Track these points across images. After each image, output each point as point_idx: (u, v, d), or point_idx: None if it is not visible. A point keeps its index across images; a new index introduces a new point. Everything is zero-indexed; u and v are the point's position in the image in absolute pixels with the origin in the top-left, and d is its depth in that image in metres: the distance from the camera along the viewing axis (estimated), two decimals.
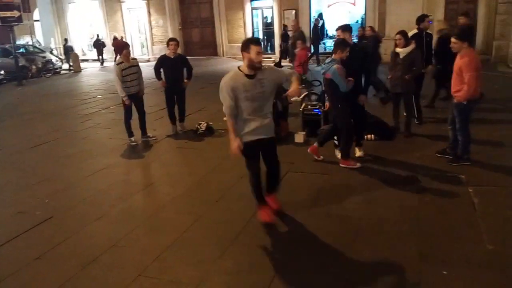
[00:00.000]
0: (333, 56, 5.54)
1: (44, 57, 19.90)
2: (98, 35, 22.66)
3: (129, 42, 21.40)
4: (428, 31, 7.75)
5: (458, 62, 5.33)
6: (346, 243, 3.91)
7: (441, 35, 8.18)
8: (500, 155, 5.86)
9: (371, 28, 11.45)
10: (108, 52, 22.07)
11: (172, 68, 7.64)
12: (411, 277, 3.36)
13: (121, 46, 7.43)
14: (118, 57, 7.57)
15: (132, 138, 7.52)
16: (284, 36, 17.34)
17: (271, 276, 3.46)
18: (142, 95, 7.51)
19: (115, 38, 21.16)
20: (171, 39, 7.77)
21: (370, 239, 3.97)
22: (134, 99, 7.33)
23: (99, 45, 22.32)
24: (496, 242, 3.78)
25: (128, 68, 7.10)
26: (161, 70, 7.71)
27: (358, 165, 5.72)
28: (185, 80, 7.90)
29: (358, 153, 6.04)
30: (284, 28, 17.79)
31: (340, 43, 5.51)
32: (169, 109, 7.95)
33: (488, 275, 3.34)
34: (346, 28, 5.81)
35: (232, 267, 3.65)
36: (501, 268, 3.42)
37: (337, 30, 5.90)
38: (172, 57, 7.61)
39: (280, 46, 11.62)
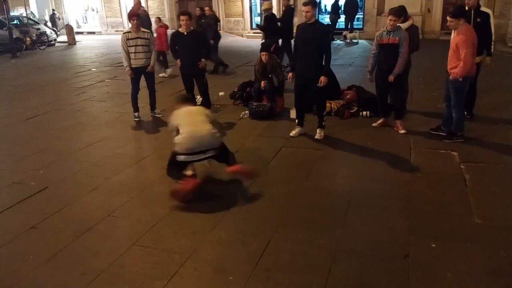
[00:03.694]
0: None
1: (38, 29, 19.57)
2: (53, 10, 24.30)
3: (124, 15, 21.20)
4: (482, 8, 6.16)
5: (455, 38, 5.30)
6: (337, 216, 3.98)
7: (266, 14, 10.47)
8: (494, 133, 5.90)
9: (209, 8, 12.00)
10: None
11: (185, 46, 6.84)
12: (400, 249, 3.43)
13: (129, 15, 7.18)
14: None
15: (136, 114, 7.27)
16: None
17: (263, 247, 3.52)
18: (151, 70, 7.11)
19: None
20: (181, 13, 6.95)
21: (360, 213, 4.03)
22: (142, 72, 7.07)
23: (54, 19, 23.68)
24: (485, 217, 3.85)
25: (134, 39, 6.82)
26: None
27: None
28: (202, 60, 7.01)
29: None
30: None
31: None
32: (186, 93, 7.12)
33: (475, 248, 3.40)
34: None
35: (225, 238, 3.71)
36: (488, 241, 3.49)
37: (305, 5, 5.57)
38: (185, 33, 6.79)
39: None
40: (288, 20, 10.82)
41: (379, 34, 5.90)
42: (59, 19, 24.03)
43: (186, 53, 6.90)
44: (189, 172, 4.73)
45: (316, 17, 5.86)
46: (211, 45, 9.67)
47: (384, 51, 5.86)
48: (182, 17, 6.79)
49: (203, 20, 11.47)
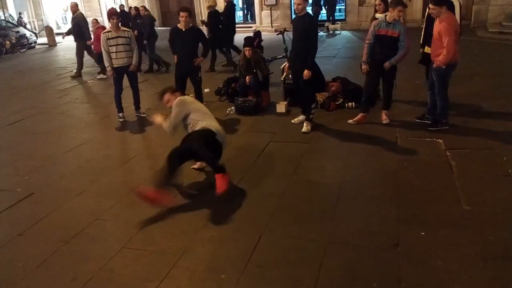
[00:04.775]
0: None
1: (17, 32, 19.22)
2: (20, 13, 23.57)
3: (104, 14, 20.96)
4: None
5: (438, 26, 5.32)
6: (327, 208, 3.99)
7: (210, 10, 10.67)
8: (478, 119, 5.97)
9: (144, 7, 12.06)
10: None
11: (183, 42, 6.76)
12: (390, 238, 3.45)
13: (108, 14, 7.08)
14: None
15: (120, 114, 7.18)
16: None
17: (254, 243, 3.51)
18: (134, 69, 7.03)
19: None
20: (181, 9, 6.80)
21: (350, 204, 4.05)
22: (124, 72, 6.98)
23: (21, 22, 23.07)
24: (472, 203, 3.90)
25: (115, 38, 6.73)
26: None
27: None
28: (199, 57, 6.94)
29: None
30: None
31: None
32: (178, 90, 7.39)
33: (464, 235, 3.44)
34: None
35: (216, 236, 3.69)
36: (477, 227, 3.53)
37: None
38: (184, 29, 6.73)
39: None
40: (230, 15, 11.11)
41: (377, 24, 5.69)
42: (26, 23, 23.38)
43: (183, 50, 6.82)
44: (198, 165, 4.98)
45: None
46: (151, 44, 10.86)
47: (380, 42, 5.69)
48: (181, 13, 6.67)
49: (138, 21, 11.60)
